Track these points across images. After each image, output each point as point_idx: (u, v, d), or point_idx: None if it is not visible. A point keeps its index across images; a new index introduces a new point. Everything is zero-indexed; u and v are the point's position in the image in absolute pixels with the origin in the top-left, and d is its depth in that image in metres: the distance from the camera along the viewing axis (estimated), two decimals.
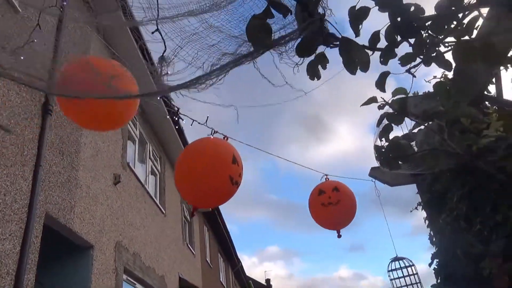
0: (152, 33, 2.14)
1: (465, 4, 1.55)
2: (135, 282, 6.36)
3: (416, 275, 5.25)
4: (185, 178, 2.71)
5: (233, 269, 19.03)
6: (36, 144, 3.92)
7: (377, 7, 1.62)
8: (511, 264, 2.82)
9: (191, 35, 1.95)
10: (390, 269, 5.33)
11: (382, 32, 1.66)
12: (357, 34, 1.68)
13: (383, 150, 2.52)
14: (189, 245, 10.43)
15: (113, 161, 5.98)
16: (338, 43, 1.68)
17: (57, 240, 4.51)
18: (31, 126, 3.90)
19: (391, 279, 5.28)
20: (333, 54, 1.76)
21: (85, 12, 4.24)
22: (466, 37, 1.61)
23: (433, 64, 1.82)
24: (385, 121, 2.46)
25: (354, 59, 1.63)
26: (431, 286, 4.96)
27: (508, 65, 3.13)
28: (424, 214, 5.38)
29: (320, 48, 1.73)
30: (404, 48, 1.68)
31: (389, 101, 2.37)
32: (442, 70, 2.58)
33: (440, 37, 1.62)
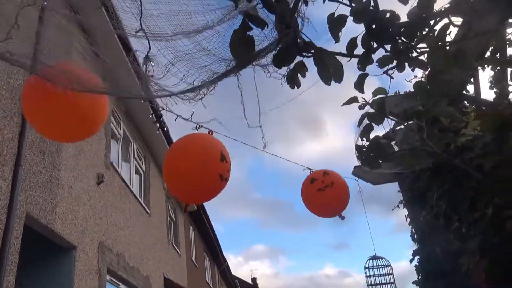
0: (136, 32, 2.13)
1: (436, 12, 1.59)
2: (119, 283, 6.30)
3: (391, 275, 5.39)
4: (175, 175, 2.72)
5: (219, 269, 19.01)
6: (16, 143, 3.85)
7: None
8: (486, 261, 2.90)
9: (184, 54, 2.00)
10: (367, 266, 5.49)
11: (360, 39, 1.70)
12: (336, 40, 1.72)
13: (364, 149, 2.56)
14: (174, 245, 10.38)
15: (96, 161, 5.90)
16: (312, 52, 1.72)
17: (39, 241, 4.45)
18: (11, 125, 3.83)
19: (367, 276, 5.44)
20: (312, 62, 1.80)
21: (66, 12, 4.18)
22: (440, 43, 1.66)
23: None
24: (366, 121, 2.50)
25: (328, 67, 1.67)
26: (412, 283, 5.06)
27: (485, 65, 3.21)
28: (406, 212, 5.49)
29: (298, 58, 1.77)
30: (382, 50, 1.71)
31: (370, 101, 2.41)
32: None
33: (413, 43, 1.66)
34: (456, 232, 3.53)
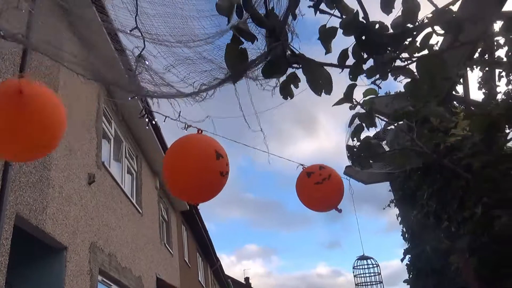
0: (131, 31, 2.12)
1: (419, 23, 1.62)
2: (111, 284, 6.27)
3: (379, 275, 5.49)
4: (178, 176, 2.76)
5: (212, 268, 18.98)
6: None
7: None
8: (475, 259, 2.94)
9: (185, 59, 2.07)
10: (355, 265, 5.59)
11: (351, 50, 1.74)
12: (327, 51, 1.75)
13: (355, 149, 2.58)
14: (166, 245, 10.35)
15: (87, 160, 5.86)
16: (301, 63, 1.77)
17: (29, 242, 4.41)
18: None
19: (355, 275, 5.55)
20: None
21: (56, 10, 4.14)
22: (426, 52, 1.70)
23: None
24: (356, 121, 2.52)
25: (318, 79, 1.71)
26: (403, 281, 5.12)
27: (474, 66, 3.25)
28: (397, 211, 5.54)
29: (290, 69, 1.83)
30: (372, 60, 1.75)
31: (361, 101, 2.43)
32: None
33: (396, 53, 1.70)
34: (446, 230, 3.58)
